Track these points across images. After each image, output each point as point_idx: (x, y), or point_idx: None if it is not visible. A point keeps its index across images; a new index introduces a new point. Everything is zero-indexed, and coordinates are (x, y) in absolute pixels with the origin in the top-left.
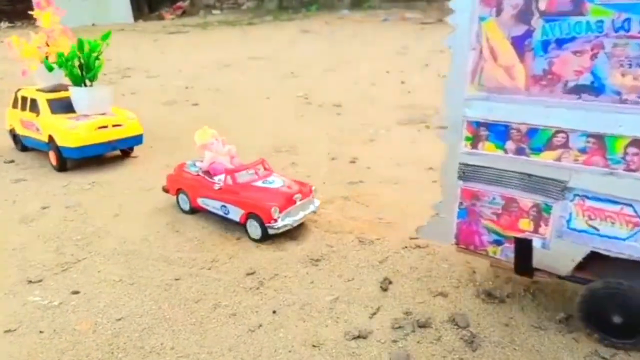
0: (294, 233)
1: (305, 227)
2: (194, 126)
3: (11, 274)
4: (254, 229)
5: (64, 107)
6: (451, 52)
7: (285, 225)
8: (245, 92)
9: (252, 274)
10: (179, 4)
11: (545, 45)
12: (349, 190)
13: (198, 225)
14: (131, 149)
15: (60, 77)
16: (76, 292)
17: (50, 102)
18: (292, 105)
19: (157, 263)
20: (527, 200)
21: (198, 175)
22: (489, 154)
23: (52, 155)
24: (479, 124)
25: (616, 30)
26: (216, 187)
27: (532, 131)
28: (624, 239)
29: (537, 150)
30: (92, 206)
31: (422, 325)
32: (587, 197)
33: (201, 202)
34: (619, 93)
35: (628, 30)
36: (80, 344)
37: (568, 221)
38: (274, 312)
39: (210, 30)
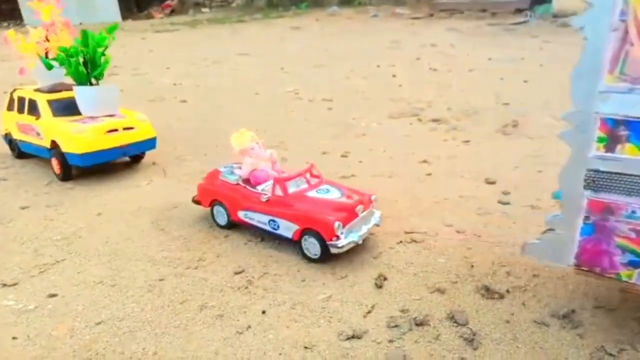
0: None
1: None
2: (181, 123)
3: None
4: (312, 247)
5: (67, 108)
6: (583, 36)
7: (349, 243)
8: (235, 89)
9: (240, 272)
10: (167, 2)
11: None
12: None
13: (184, 223)
14: (142, 154)
15: (61, 75)
16: (53, 295)
17: (52, 103)
18: (282, 100)
19: (141, 263)
20: None
21: (238, 184)
22: (629, 157)
23: (55, 163)
24: (616, 122)
25: None
26: (263, 198)
27: None
28: None
29: None
30: (74, 205)
31: (420, 324)
32: None
33: (243, 215)
34: None
35: None
36: (56, 351)
37: None
38: (264, 312)
39: (199, 29)
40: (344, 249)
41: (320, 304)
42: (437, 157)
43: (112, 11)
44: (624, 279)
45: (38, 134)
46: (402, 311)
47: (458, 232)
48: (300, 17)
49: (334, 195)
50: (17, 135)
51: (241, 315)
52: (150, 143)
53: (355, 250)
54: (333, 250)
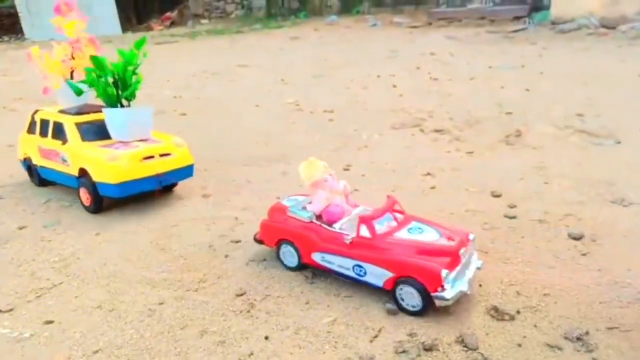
0: None
1: None
2: (181, 137)
3: None
4: (408, 297)
5: (96, 132)
6: None
7: (457, 293)
8: (235, 101)
9: (242, 295)
10: (167, 14)
11: None
12: None
13: (184, 242)
14: (176, 183)
15: (86, 96)
16: (50, 322)
17: (81, 126)
18: (283, 112)
19: (140, 286)
20: None
21: (312, 222)
22: None
23: (83, 194)
24: None
25: None
26: (347, 240)
27: None
28: None
29: None
30: (73, 225)
31: (428, 349)
32: None
33: (320, 258)
34: None
35: None
36: None
37: None
38: (267, 337)
39: (198, 40)
40: (451, 302)
41: (325, 327)
42: (440, 170)
43: (112, 24)
44: None
45: (64, 161)
46: (410, 335)
47: None
48: (299, 26)
49: (431, 236)
50: (38, 161)
51: (243, 342)
52: (188, 171)
53: None
54: (439, 303)
